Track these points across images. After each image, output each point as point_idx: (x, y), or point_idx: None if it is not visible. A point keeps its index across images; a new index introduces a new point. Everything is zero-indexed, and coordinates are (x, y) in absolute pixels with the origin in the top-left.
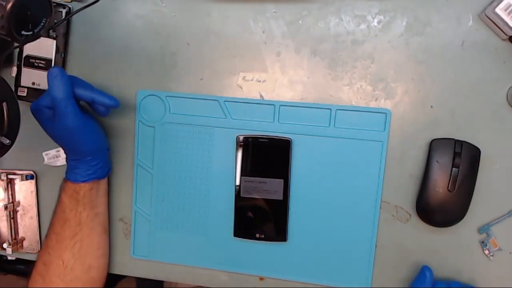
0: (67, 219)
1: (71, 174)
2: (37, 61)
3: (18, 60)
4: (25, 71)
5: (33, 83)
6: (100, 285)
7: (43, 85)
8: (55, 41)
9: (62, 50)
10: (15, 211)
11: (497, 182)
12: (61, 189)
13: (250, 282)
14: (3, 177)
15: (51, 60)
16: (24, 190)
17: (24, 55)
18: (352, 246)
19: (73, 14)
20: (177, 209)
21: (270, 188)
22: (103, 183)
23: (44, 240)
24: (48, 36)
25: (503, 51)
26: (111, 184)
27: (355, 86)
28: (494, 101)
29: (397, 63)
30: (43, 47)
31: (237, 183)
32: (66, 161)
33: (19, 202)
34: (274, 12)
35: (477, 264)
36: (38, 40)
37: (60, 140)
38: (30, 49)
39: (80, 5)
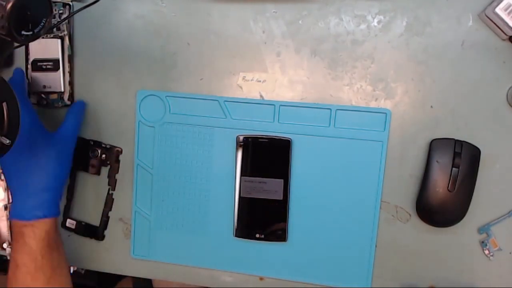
0: (40, 267)
1: (43, 209)
2: (44, 63)
3: (25, 66)
4: (34, 76)
5: (44, 86)
6: None
7: (54, 87)
8: (59, 40)
9: (113, 188)
10: None
11: (497, 182)
12: (24, 235)
13: (250, 282)
14: (3, 177)
15: (59, 60)
16: None
17: (30, 60)
18: (352, 246)
19: (74, 14)
20: (177, 209)
21: (270, 188)
22: None
23: None
24: (53, 36)
25: (503, 51)
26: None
27: (355, 86)
28: (494, 101)
29: (397, 63)
30: (49, 48)
31: (237, 183)
32: (28, 199)
33: None
34: (274, 12)
35: (477, 264)
36: (42, 42)
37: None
38: (36, 53)
39: (80, 5)
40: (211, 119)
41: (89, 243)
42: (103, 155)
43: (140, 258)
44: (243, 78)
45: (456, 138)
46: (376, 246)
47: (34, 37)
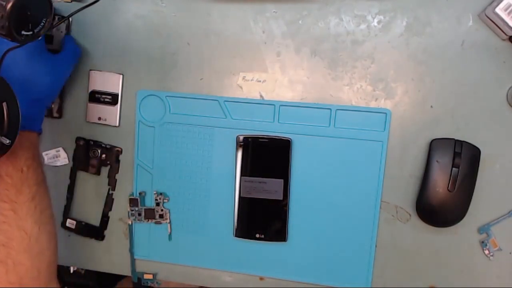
0: (26, 179)
1: (33, 122)
2: (103, 96)
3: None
4: (91, 106)
5: (100, 118)
6: (57, 256)
7: (110, 120)
8: (121, 76)
9: (113, 188)
10: None
11: (497, 182)
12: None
13: (250, 282)
14: None
15: (118, 95)
16: None
17: (89, 90)
18: (352, 246)
19: (73, 14)
20: (177, 209)
21: (270, 188)
22: None
23: None
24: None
25: (503, 51)
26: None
27: (355, 86)
28: (494, 101)
29: (397, 63)
30: (109, 81)
31: (237, 183)
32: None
33: None
34: (274, 12)
35: (477, 264)
36: (104, 75)
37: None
38: (96, 84)
39: (80, 5)
40: (211, 119)
41: (89, 243)
42: (103, 155)
43: (140, 258)
44: (243, 78)
45: (456, 138)
46: (376, 246)
47: (34, 37)
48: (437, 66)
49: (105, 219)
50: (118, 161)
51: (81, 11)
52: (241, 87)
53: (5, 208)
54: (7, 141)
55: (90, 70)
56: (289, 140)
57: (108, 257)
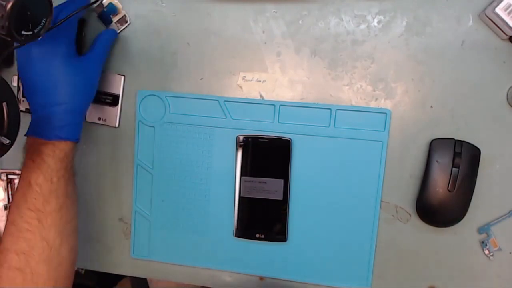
0: (55, 189)
1: (65, 130)
2: (104, 96)
3: None
4: (91, 106)
5: (100, 118)
6: (73, 271)
7: (109, 120)
8: (123, 77)
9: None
10: None
11: (497, 182)
12: (42, 153)
13: (250, 282)
14: (3, 177)
15: (119, 96)
16: None
17: None
18: (352, 246)
19: (73, 14)
20: (177, 209)
21: (270, 188)
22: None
23: (8, 227)
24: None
25: (503, 51)
26: (111, 184)
27: (355, 86)
28: (494, 101)
29: (397, 63)
30: (111, 82)
31: (237, 183)
32: (53, 116)
33: None
34: (274, 12)
35: (477, 264)
36: (105, 76)
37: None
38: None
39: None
40: (211, 119)
41: (89, 243)
42: None
43: (140, 258)
44: (243, 78)
45: (456, 138)
46: (376, 246)
47: (34, 37)
48: (437, 66)
49: None
50: None
51: (81, 11)
52: (241, 87)
53: (31, 216)
54: (7, 141)
55: None
56: (289, 140)
57: (108, 257)
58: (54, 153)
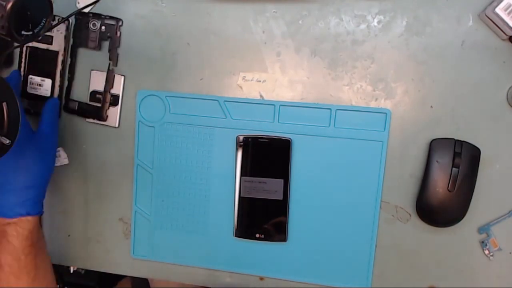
0: (24, 266)
1: (26, 206)
2: (103, 96)
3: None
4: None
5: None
6: None
7: (109, 120)
8: (123, 77)
9: (115, 63)
10: None
11: (497, 182)
12: (7, 234)
13: (250, 282)
14: None
15: (119, 96)
16: None
17: (90, 90)
18: (352, 246)
19: (73, 14)
20: (177, 209)
21: (270, 188)
22: None
23: None
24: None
25: (503, 51)
26: (111, 184)
27: (355, 86)
28: (494, 101)
29: (397, 63)
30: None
31: (237, 183)
32: (14, 195)
33: None
34: (274, 12)
35: (477, 264)
36: (105, 75)
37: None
38: (96, 84)
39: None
40: (211, 119)
41: (89, 243)
42: (103, 27)
43: (140, 258)
44: (243, 78)
45: (456, 138)
46: (376, 246)
47: (34, 37)
48: (437, 66)
49: (106, 97)
50: (119, 32)
51: (81, 11)
52: (241, 87)
53: None
54: (7, 141)
55: (92, 70)
56: (289, 140)
57: (108, 257)
58: (18, 233)
